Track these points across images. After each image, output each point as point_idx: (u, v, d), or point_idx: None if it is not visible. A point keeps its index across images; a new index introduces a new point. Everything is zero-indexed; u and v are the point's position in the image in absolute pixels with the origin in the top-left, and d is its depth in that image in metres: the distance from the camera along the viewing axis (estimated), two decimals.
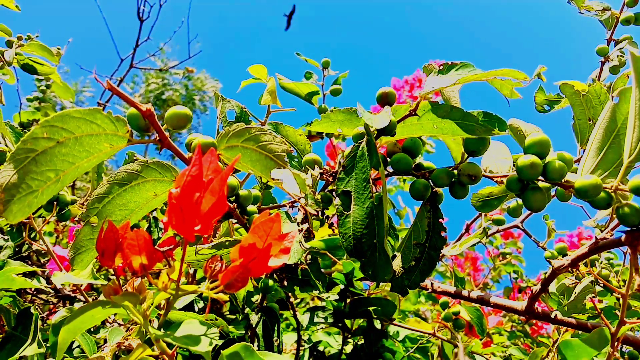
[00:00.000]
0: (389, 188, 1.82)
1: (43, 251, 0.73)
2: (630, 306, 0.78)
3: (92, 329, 0.65)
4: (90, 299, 0.76)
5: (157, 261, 0.36)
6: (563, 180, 0.45)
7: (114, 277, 0.35)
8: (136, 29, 1.90)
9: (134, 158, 0.47)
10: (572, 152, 0.48)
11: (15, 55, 1.03)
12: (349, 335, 0.89)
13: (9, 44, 1.04)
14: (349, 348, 0.92)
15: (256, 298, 0.74)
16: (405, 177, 1.24)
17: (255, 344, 0.66)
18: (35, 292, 0.94)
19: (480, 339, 0.87)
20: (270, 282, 0.69)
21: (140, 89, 8.45)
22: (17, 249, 0.85)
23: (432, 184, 0.51)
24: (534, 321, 1.41)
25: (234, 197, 0.56)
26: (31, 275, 0.82)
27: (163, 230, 0.88)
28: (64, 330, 0.32)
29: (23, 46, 1.04)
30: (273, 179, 0.48)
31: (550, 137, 0.46)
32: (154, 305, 0.35)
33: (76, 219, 0.46)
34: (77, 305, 0.74)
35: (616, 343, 0.45)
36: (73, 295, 0.80)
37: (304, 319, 0.88)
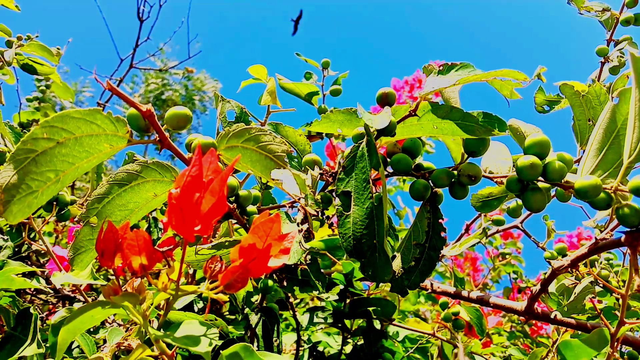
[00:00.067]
0: (389, 188, 1.82)
1: (42, 251, 0.73)
2: (629, 306, 0.78)
3: (91, 329, 0.65)
4: (89, 299, 0.76)
5: (157, 261, 0.36)
6: (563, 181, 0.45)
7: (114, 278, 0.35)
8: (136, 29, 1.90)
9: (134, 158, 0.47)
10: (572, 153, 0.48)
11: (15, 55, 1.03)
12: (349, 336, 0.89)
13: (9, 44, 1.04)
14: (348, 348, 0.92)
15: (256, 298, 0.74)
16: (405, 178, 1.24)
17: (255, 344, 0.66)
18: (34, 292, 0.93)
19: (480, 339, 0.87)
20: (270, 282, 0.69)
21: (139, 89, 8.45)
22: (16, 249, 0.85)
23: (431, 185, 0.51)
24: (534, 321, 1.41)
25: (233, 198, 0.56)
26: (31, 275, 0.82)
27: (163, 231, 0.88)
28: (63, 331, 0.32)
29: (23, 46, 1.04)
30: (273, 180, 0.48)
31: (550, 138, 0.46)
32: (154, 305, 0.35)
33: (76, 219, 0.46)
34: (76, 306, 0.74)
35: (616, 343, 0.45)
36: (72, 295, 0.80)
37: (304, 319, 0.88)
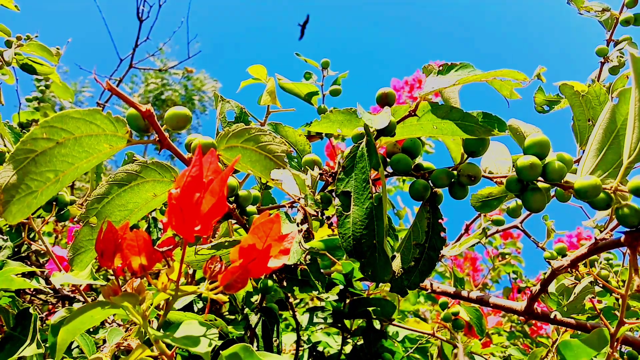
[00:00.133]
0: (389, 188, 1.82)
1: (42, 251, 0.73)
2: (629, 307, 0.78)
3: (91, 330, 0.65)
4: (89, 300, 0.76)
5: (157, 262, 0.36)
6: (562, 181, 0.45)
7: (113, 278, 0.35)
8: (135, 29, 1.90)
9: (134, 158, 0.47)
10: (571, 153, 0.48)
11: (15, 55, 1.03)
12: (349, 336, 0.89)
13: (8, 44, 1.04)
14: (348, 348, 0.92)
15: (255, 298, 0.74)
16: (404, 178, 1.24)
17: (255, 344, 0.66)
18: (34, 293, 0.93)
19: (480, 339, 0.87)
20: (270, 282, 0.69)
21: (139, 89, 8.44)
22: (16, 249, 0.85)
23: (431, 185, 0.51)
24: (534, 321, 1.41)
25: (233, 198, 0.56)
26: (30, 275, 0.82)
27: (162, 231, 0.88)
28: (63, 331, 0.32)
29: (22, 46, 1.04)
30: (273, 180, 0.48)
31: (550, 138, 0.46)
32: (153, 305, 0.35)
33: (75, 219, 0.46)
34: (76, 306, 0.74)
35: (615, 343, 0.45)
36: (72, 295, 0.80)
37: (304, 319, 0.88)
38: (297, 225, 0.49)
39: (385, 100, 0.53)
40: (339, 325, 0.89)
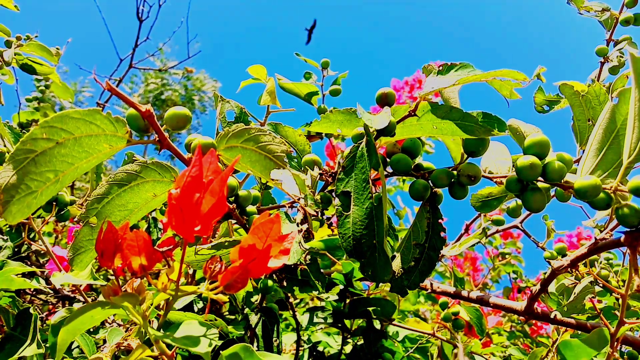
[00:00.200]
0: (389, 188, 1.82)
1: (42, 251, 0.73)
2: (629, 306, 0.78)
3: (91, 330, 0.65)
4: (89, 300, 0.76)
5: (157, 262, 0.36)
6: (562, 181, 0.45)
7: (113, 278, 0.35)
8: (135, 29, 1.90)
9: (133, 158, 0.47)
10: (571, 153, 0.48)
11: (14, 55, 1.03)
12: (349, 336, 0.89)
13: (8, 44, 1.04)
14: (348, 348, 0.92)
15: (255, 298, 0.74)
16: (404, 178, 1.23)
17: (255, 344, 0.66)
18: (34, 293, 0.93)
19: (480, 339, 0.87)
20: (270, 282, 0.69)
21: (139, 89, 8.44)
22: (16, 250, 0.85)
23: (431, 185, 0.51)
24: (534, 321, 1.41)
25: (233, 198, 0.56)
26: (30, 275, 0.82)
27: (162, 231, 0.88)
28: (63, 331, 0.32)
29: (22, 46, 1.04)
30: (272, 180, 0.48)
31: (549, 138, 0.46)
32: (154, 305, 0.35)
33: (75, 219, 0.46)
34: (76, 306, 0.74)
35: (615, 343, 0.45)
36: (72, 295, 0.80)
37: (304, 319, 0.88)
38: (297, 225, 0.49)
39: (385, 100, 0.53)
40: (339, 325, 0.89)
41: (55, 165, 0.37)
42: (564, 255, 0.85)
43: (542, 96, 0.82)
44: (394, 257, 0.52)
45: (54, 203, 0.76)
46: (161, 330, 0.34)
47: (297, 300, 1.18)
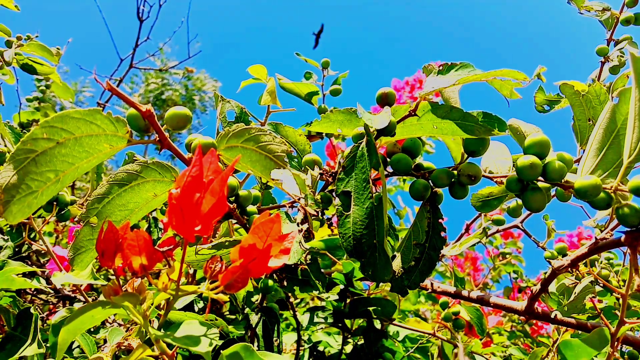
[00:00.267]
0: (389, 188, 1.82)
1: (43, 251, 0.73)
2: (630, 306, 0.78)
3: (92, 329, 0.65)
4: (90, 299, 0.76)
5: (157, 261, 0.36)
6: (563, 181, 0.45)
7: (114, 278, 0.35)
8: (136, 29, 1.90)
9: (134, 158, 0.47)
10: (571, 153, 0.48)
11: (15, 55, 1.03)
12: (349, 335, 0.89)
13: (9, 44, 1.04)
14: (348, 348, 0.92)
15: (256, 298, 0.74)
16: (405, 177, 1.24)
17: (255, 344, 0.66)
18: (35, 293, 0.94)
19: (480, 339, 0.87)
20: (270, 282, 0.69)
21: (139, 89, 8.43)
22: (16, 249, 0.85)
23: (431, 184, 0.51)
24: (534, 321, 1.41)
25: (233, 198, 0.56)
26: (31, 275, 0.82)
27: (163, 231, 0.88)
28: (63, 331, 0.32)
29: (22, 46, 1.04)
30: (273, 180, 0.48)
31: (550, 137, 0.46)
32: (154, 305, 0.35)
33: (76, 219, 0.46)
34: (77, 306, 0.74)
35: (616, 343, 0.45)
36: (73, 295, 0.80)
37: (304, 319, 0.88)
38: (298, 225, 0.49)
39: (385, 100, 0.53)
40: (340, 325, 0.89)
41: (55, 165, 0.37)
42: (564, 255, 0.85)
43: (542, 96, 0.82)
44: (394, 256, 0.52)
45: (55, 203, 0.76)
46: (162, 330, 0.34)
47: (298, 300, 1.18)
